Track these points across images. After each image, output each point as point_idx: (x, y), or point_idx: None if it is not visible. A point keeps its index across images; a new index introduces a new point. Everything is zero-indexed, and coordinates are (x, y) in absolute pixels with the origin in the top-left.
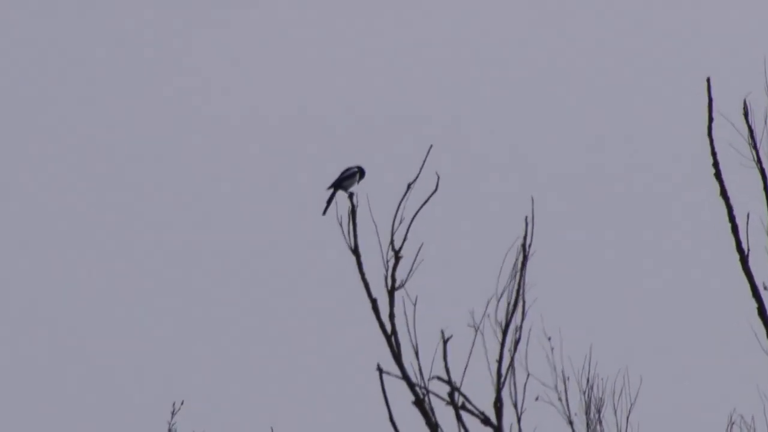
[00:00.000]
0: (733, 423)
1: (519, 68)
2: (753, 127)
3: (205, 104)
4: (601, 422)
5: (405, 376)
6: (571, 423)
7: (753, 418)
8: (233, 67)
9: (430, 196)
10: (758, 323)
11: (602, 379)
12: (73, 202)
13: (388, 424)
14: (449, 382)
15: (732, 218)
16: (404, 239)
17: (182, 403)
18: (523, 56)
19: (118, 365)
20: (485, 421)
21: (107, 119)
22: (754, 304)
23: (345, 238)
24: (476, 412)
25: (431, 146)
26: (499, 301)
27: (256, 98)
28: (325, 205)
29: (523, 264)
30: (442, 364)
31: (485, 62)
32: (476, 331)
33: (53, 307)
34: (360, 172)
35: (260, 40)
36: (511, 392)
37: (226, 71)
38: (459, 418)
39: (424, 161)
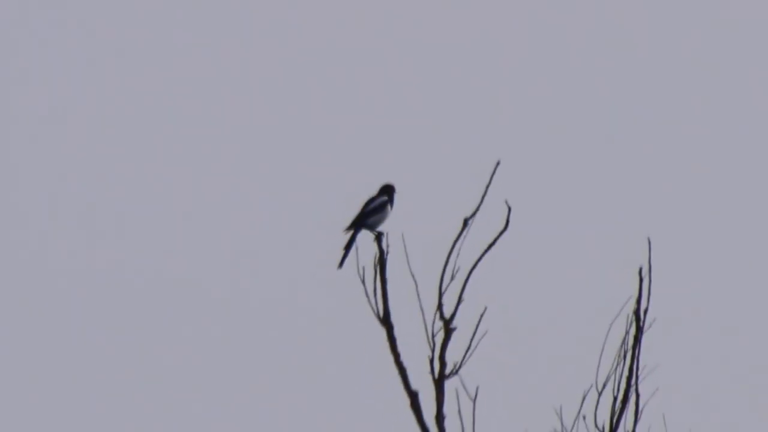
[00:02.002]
0: None
1: None
2: None
3: None
4: None
5: None
6: None
7: None
8: None
9: (498, 238)
10: None
11: None
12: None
13: None
14: None
15: None
16: (458, 302)
17: None
18: None
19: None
20: None
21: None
22: None
23: (370, 301)
24: None
25: (498, 162)
26: (600, 394)
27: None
28: (341, 253)
29: (637, 338)
30: None
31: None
32: None
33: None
34: (390, 199)
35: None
36: None
37: None
38: None
39: (489, 184)
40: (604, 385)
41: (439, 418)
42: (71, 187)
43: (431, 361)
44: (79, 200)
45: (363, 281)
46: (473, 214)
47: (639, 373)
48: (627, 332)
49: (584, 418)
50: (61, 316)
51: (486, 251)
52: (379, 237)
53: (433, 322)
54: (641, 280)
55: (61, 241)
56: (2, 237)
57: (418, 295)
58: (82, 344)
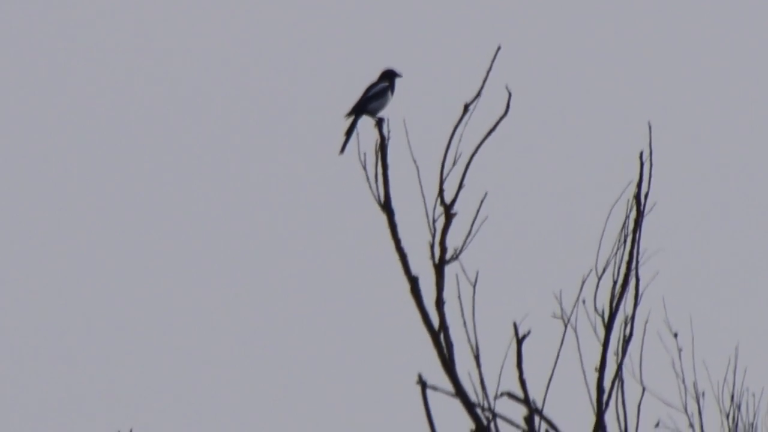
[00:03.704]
0: None
1: None
2: None
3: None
4: None
5: (460, 392)
6: None
7: None
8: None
9: (498, 123)
10: None
11: (753, 395)
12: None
13: None
14: (526, 400)
15: None
16: (459, 188)
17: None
18: None
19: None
20: None
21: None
22: None
23: (371, 187)
24: None
25: (499, 47)
26: (600, 278)
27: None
28: (343, 139)
29: (637, 223)
30: (515, 374)
31: None
32: (565, 324)
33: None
34: (391, 85)
35: None
36: (618, 416)
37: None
38: None
39: (489, 69)
40: (604, 270)
41: (439, 303)
42: None
43: (431, 247)
44: None
45: (364, 167)
46: (474, 100)
47: (639, 257)
48: (627, 216)
49: (584, 302)
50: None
51: (487, 136)
52: (380, 122)
53: (434, 208)
54: (642, 164)
55: None
56: None
57: (419, 180)
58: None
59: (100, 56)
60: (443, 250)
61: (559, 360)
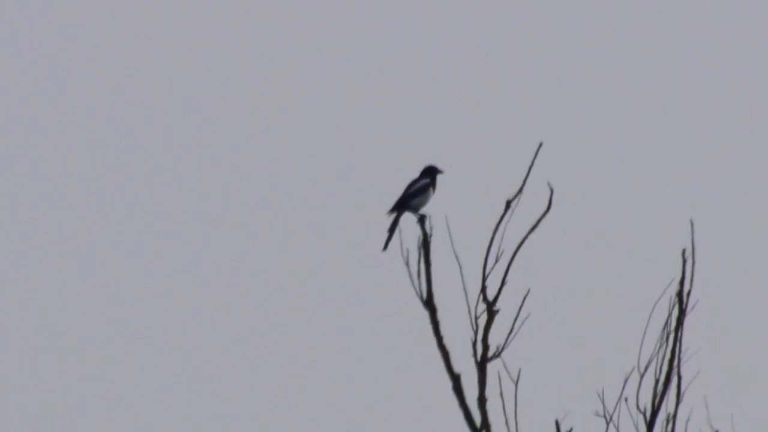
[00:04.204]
0: None
1: None
2: None
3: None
4: None
5: None
6: None
7: None
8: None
9: (540, 220)
10: None
11: None
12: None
13: None
14: None
15: None
16: (502, 284)
17: None
18: None
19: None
20: None
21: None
22: None
23: (414, 284)
24: None
25: (541, 144)
26: (642, 377)
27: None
28: (386, 235)
29: (679, 321)
30: None
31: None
32: (608, 422)
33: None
34: (433, 182)
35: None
36: None
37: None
38: None
39: (531, 166)
40: (646, 368)
41: (482, 400)
42: None
43: (474, 344)
44: None
45: (407, 264)
46: (516, 196)
47: (681, 355)
48: (670, 314)
49: (626, 400)
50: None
51: (529, 233)
52: (422, 219)
53: (477, 305)
54: (684, 261)
55: None
56: None
57: (462, 277)
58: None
59: (104, 56)
60: (486, 347)
61: None
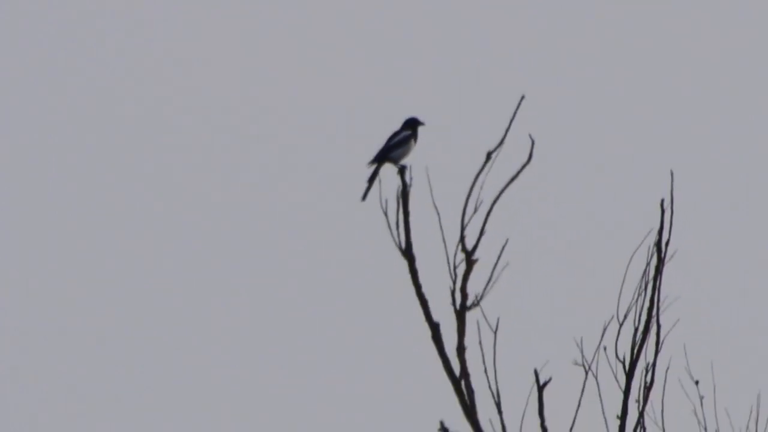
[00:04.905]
0: None
1: None
2: None
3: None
4: None
5: None
6: None
7: None
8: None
9: (520, 171)
10: None
11: None
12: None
13: None
14: None
15: None
16: (480, 234)
17: None
18: None
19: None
20: None
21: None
22: None
23: (392, 233)
24: None
25: (523, 97)
26: (621, 326)
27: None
28: (365, 186)
29: (658, 270)
30: (537, 421)
31: None
32: (587, 371)
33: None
34: (414, 134)
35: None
36: None
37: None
38: None
39: (512, 118)
40: (625, 317)
41: (461, 349)
42: None
43: (453, 293)
44: None
45: (386, 213)
46: (497, 148)
47: (660, 304)
48: (648, 264)
49: (605, 349)
50: None
51: (508, 184)
52: (402, 170)
53: (455, 254)
54: (663, 212)
55: None
56: None
57: (441, 227)
58: None
59: (110, 55)
60: (464, 296)
61: (580, 407)
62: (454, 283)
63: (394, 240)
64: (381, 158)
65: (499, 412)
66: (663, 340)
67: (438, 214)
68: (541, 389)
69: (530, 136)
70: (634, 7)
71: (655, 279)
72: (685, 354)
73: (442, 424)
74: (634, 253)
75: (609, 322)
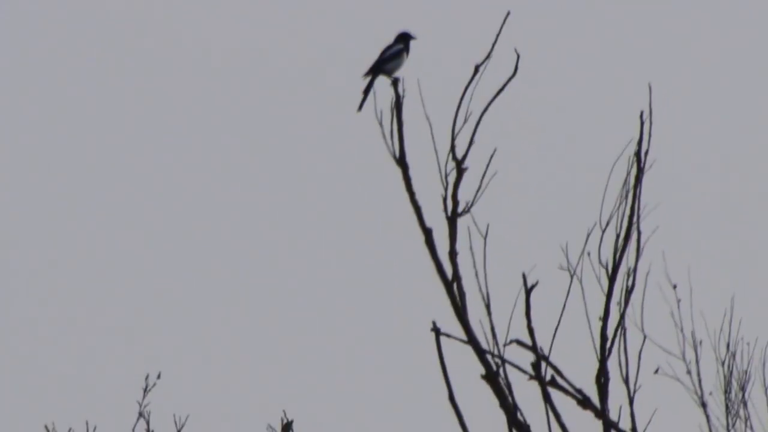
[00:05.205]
0: None
1: None
2: None
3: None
4: (745, 404)
5: (471, 339)
6: (704, 405)
7: None
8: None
9: (507, 83)
10: None
11: (748, 344)
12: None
13: (447, 403)
14: (533, 347)
15: None
16: (470, 144)
17: (158, 377)
18: None
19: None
20: (583, 402)
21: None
22: None
23: (387, 142)
24: (571, 389)
25: (509, 13)
26: (603, 232)
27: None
28: (360, 97)
29: (638, 179)
30: (524, 322)
31: None
32: (571, 275)
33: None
34: (406, 47)
35: None
36: (620, 362)
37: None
38: (546, 397)
39: (499, 33)
40: (608, 224)
41: (452, 253)
42: None
43: (444, 200)
44: None
45: (380, 123)
46: (484, 61)
47: (640, 212)
48: (628, 173)
49: (589, 254)
50: None
51: (496, 96)
52: (395, 82)
53: (446, 163)
54: (642, 123)
55: None
56: None
57: (432, 137)
58: None
59: (116, 55)
60: (455, 203)
61: (565, 309)
62: (446, 190)
63: (389, 149)
64: (375, 71)
65: (489, 314)
66: (643, 246)
67: (430, 124)
68: (528, 292)
69: (515, 50)
70: None
71: (635, 188)
72: (664, 260)
73: (434, 324)
74: (615, 162)
75: (592, 229)
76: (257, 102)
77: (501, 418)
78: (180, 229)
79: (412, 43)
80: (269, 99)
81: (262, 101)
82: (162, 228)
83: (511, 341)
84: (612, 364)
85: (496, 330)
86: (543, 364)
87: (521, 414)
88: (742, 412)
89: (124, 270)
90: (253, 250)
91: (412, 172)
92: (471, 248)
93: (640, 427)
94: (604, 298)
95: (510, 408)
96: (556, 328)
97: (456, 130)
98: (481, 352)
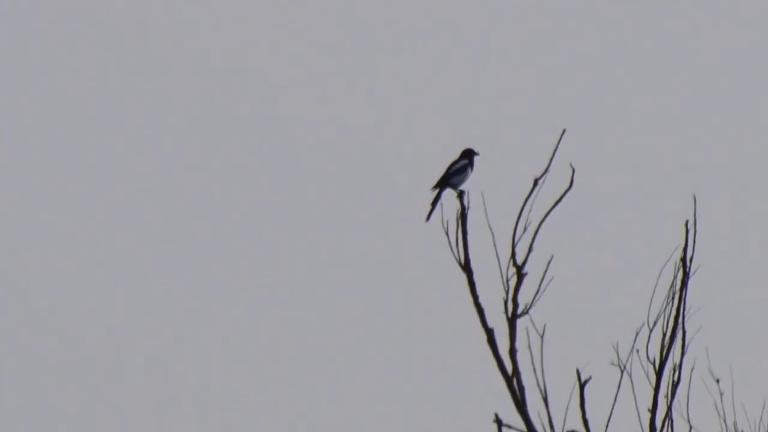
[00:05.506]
0: None
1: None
2: None
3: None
4: None
5: (531, 430)
6: None
7: None
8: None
9: (564, 195)
10: None
11: None
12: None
13: None
14: None
15: None
16: (529, 251)
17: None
18: None
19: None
20: None
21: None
22: None
23: (452, 250)
24: None
25: (564, 130)
26: (651, 331)
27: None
28: (429, 208)
29: (683, 283)
30: (578, 414)
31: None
32: (622, 371)
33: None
34: (470, 162)
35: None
36: None
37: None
38: None
39: (555, 149)
40: (655, 324)
41: (512, 352)
42: None
43: (505, 303)
44: None
45: (447, 233)
46: (543, 175)
47: (685, 312)
48: (675, 277)
49: (638, 352)
50: None
51: (553, 207)
52: (461, 194)
53: (507, 269)
54: (687, 231)
55: None
56: None
57: (495, 245)
58: None
59: (122, 54)
60: (515, 305)
61: (616, 402)
62: (507, 293)
63: (455, 256)
64: (442, 184)
65: (546, 406)
66: (688, 344)
67: (492, 233)
68: (582, 386)
69: (571, 164)
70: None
71: (680, 290)
72: (708, 356)
73: (496, 416)
74: (663, 267)
75: (641, 328)
76: (257, 102)
77: None
78: (180, 230)
79: (476, 158)
80: (269, 99)
81: (262, 101)
82: (162, 228)
83: (568, 431)
84: None
85: (554, 421)
86: None
87: None
88: None
89: (123, 270)
90: (331, 348)
91: (476, 277)
92: (529, 346)
93: None
94: (652, 392)
95: None
96: (609, 419)
97: (516, 239)
98: None
